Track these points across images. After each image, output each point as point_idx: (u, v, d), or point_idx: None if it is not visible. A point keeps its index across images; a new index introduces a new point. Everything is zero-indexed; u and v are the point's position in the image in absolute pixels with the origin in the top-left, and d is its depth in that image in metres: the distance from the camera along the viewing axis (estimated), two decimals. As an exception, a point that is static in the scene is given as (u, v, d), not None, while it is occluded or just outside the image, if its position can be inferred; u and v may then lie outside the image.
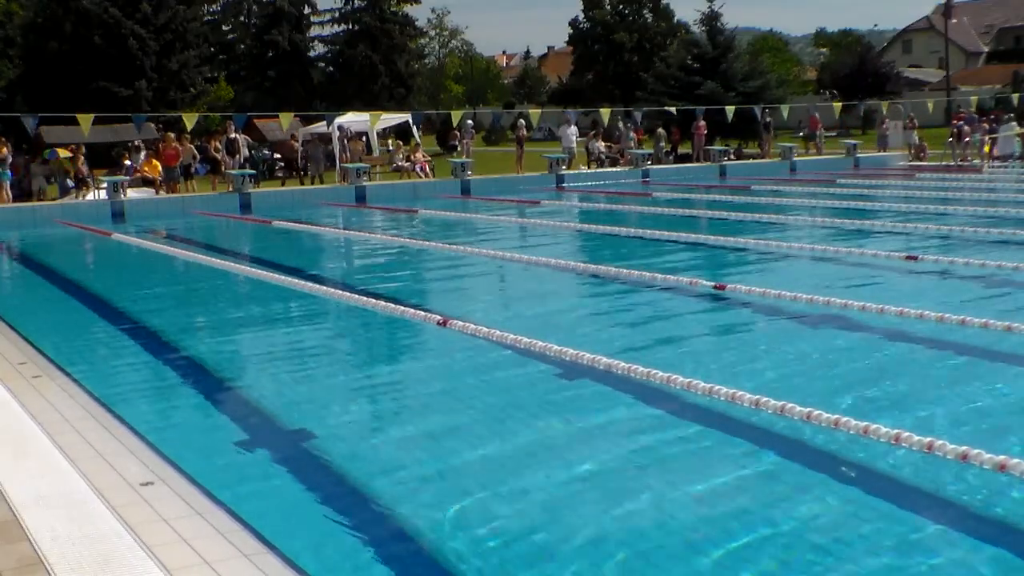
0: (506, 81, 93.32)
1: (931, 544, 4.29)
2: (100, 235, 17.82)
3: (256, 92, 55.10)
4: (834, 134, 45.62)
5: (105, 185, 22.19)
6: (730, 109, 30.69)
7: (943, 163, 30.06)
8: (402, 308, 9.41)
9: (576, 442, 5.67)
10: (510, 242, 15.71)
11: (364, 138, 34.79)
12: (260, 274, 12.25)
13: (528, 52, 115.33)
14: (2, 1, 46.87)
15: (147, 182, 24.89)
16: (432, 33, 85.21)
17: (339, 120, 31.21)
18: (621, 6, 64.41)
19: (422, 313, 9.19)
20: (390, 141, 34.50)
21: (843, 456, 5.27)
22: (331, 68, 59.40)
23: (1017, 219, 15.93)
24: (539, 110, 49.50)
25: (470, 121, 33.74)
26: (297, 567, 4.02)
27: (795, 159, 30.33)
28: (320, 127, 34.33)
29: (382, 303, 9.72)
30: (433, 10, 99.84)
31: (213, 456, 5.62)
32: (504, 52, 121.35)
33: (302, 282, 11.25)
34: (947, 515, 4.58)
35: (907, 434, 5.03)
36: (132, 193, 22.77)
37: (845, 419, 5.33)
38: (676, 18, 64.67)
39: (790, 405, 5.58)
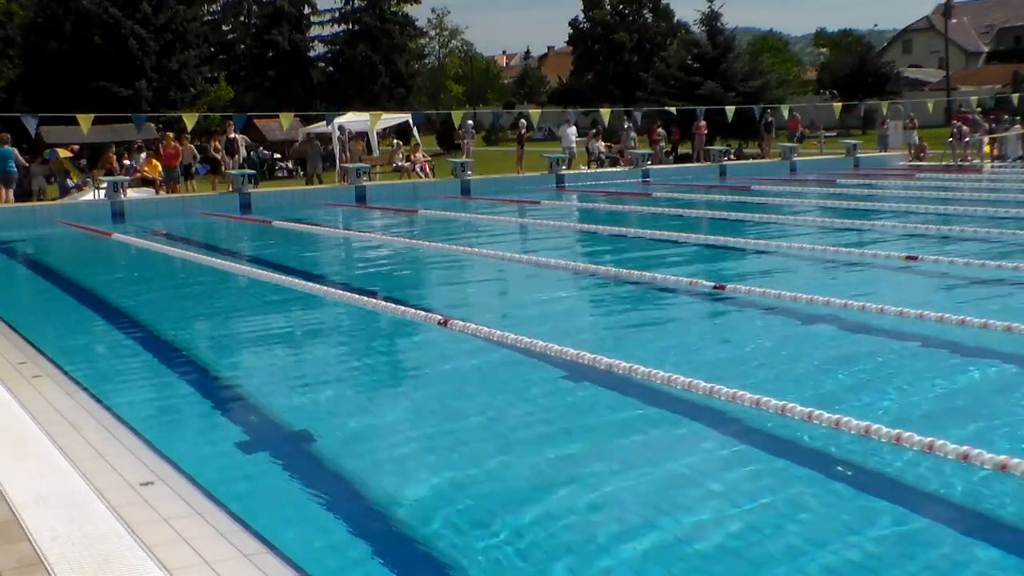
0: (506, 81, 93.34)
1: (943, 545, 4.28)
2: (100, 235, 17.82)
3: (256, 92, 55.12)
4: (834, 134, 45.63)
5: (105, 185, 22.18)
6: (730, 109, 30.70)
7: (943, 163, 30.06)
8: (403, 308, 9.41)
9: (576, 442, 5.67)
10: (510, 242, 15.71)
11: (364, 138, 34.81)
12: (260, 274, 12.24)
13: (528, 52, 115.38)
14: (2, 1, 46.86)
15: (147, 182, 24.89)
16: (432, 33, 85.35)
17: (339, 120, 31.23)
18: (621, 6, 64.38)
19: (423, 313, 9.19)
20: (396, 141, 34.45)
21: (844, 456, 5.26)
22: (331, 68, 59.43)
23: (1017, 219, 15.92)
24: (539, 110, 49.47)
25: (470, 121, 33.74)
26: (297, 567, 4.01)
27: (795, 159, 30.32)
28: (320, 127, 34.35)
29: (383, 303, 9.73)
30: (433, 10, 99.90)
31: (213, 456, 5.61)
32: (504, 52, 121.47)
33: (302, 282, 11.25)
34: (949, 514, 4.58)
35: (908, 434, 5.02)
36: (132, 193, 22.76)
37: (846, 419, 5.32)
38: (676, 18, 64.65)
39: (791, 405, 5.58)
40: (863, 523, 4.48)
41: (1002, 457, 4.66)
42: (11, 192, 22.89)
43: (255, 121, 37.14)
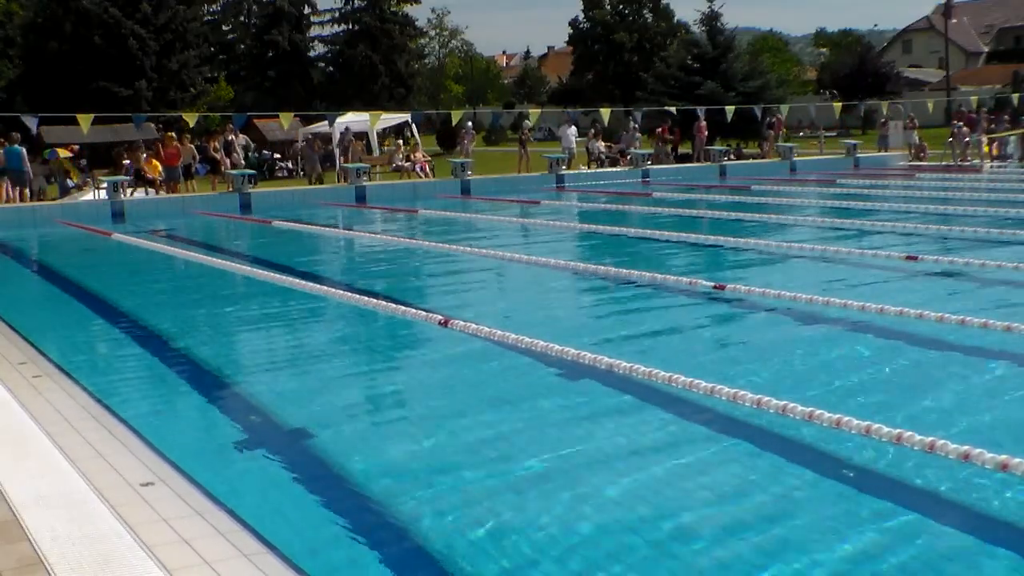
0: (506, 81, 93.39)
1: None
2: (100, 235, 17.82)
3: (256, 92, 55.16)
4: (834, 134, 45.65)
5: (105, 185, 22.18)
6: (730, 109, 30.70)
7: (943, 163, 30.06)
8: (403, 308, 9.41)
9: (577, 442, 5.66)
10: (510, 242, 15.70)
11: (364, 138, 34.82)
12: (260, 274, 12.24)
13: (528, 52, 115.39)
14: (2, 1, 46.88)
15: (147, 182, 24.88)
16: (432, 33, 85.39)
17: (340, 120, 31.22)
18: (621, 6, 64.42)
19: (423, 313, 9.19)
20: (400, 141, 34.44)
21: (845, 456, 5.26)
22: (331, 68, 59.47)
23: (1017, 219, 15.92)
24: (539, 110, 49.48)
25: (470, 123, 33.73)
26: (297, 567, 4.01)
27: (795, 159, 30.32)
28: (320, 127, 34.35)
29: (383, 303, 9.72)
30: (433, 10, 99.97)
31: (213, 456, 5.61)
32: (504, 52, 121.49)
33: (302, 282, 11.24)
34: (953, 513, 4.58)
35: (909, 434, 5.02)
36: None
37: (847, 419, 5.32)
38: (676, 18, 64.72)
39: (792, 405, 5.58)
40: (862, 523, 4.48)
41: (1003, 457, 4.66)
42: (26, 191, 22.96)
43: (255, 121, 37.16)
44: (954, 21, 63.18)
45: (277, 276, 11.74)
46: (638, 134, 31.99)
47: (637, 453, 5.48)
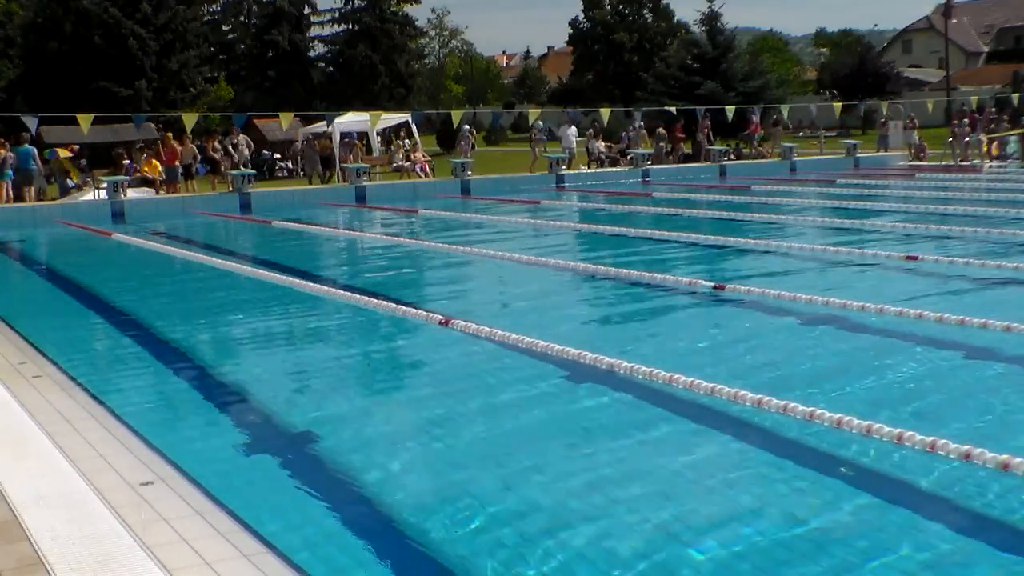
0: (506, 81, 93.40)
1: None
2: (100, 235, 17.81)
3: (256, 92, 55.17)
4: (834, 134, 45.64)
5: (105, 185, 22.18)
6: (730, 109, 30.69)
7: (943, 163, 30.06)
8: (403, 308, 9.40)
9: (578, 443, 5.66)
10: (510, 242, 15.69)
11: (364, 138, 34.81)
12: (260, 274, 12.24)
13: (528, 52, 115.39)
14: (2, 1, 46.89)
15: (147, 182, 24.89)
16: (432, 33, 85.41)
17: (341, 120, 31.21)
18: (621, 6, 64.46)
19: (424, 313, 9.18)
20: (399, 141, 34.43)
21: (845, 456, 5.26)
22: (331, 68, 59.46)
23: (1017, 219, 15.91)
24: (539, 110, 49.46)
25: (467, 126, 33.69)
26: (297, 567, 4.00)
27: (795, 159, 30.31)
28: (320, 127, 34.36)
29: (383, 303, 9.72)
30: (433, 10, 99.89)
31: (213, 456, 5.61)
32: (504, 52, 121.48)
33: (302, 282, 11.24)
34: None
35: (910, 433, 5.02)
36: (132, 193, 22.76)
37: (848, 418, 5.32)
38: (676, 18, 64.78)
39: (792, 404, 5.58)
40: (864, 522, 4.48)
41: (1004, 456, 4.66)
42: (34, 189, 23.01)
43: (255, 121, 37.16)
44: (954, 21, 63.16)
45: (277, 276, 11.74)
46: (643, 130, 31.98)
47: (637, 453, 5.48)
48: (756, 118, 33.61)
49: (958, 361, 7.30)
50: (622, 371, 6.63)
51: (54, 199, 24.31)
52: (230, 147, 26.43)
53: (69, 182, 26.76)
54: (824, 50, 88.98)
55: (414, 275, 13.04)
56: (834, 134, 45.62)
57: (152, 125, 36.11)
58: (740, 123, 33.91)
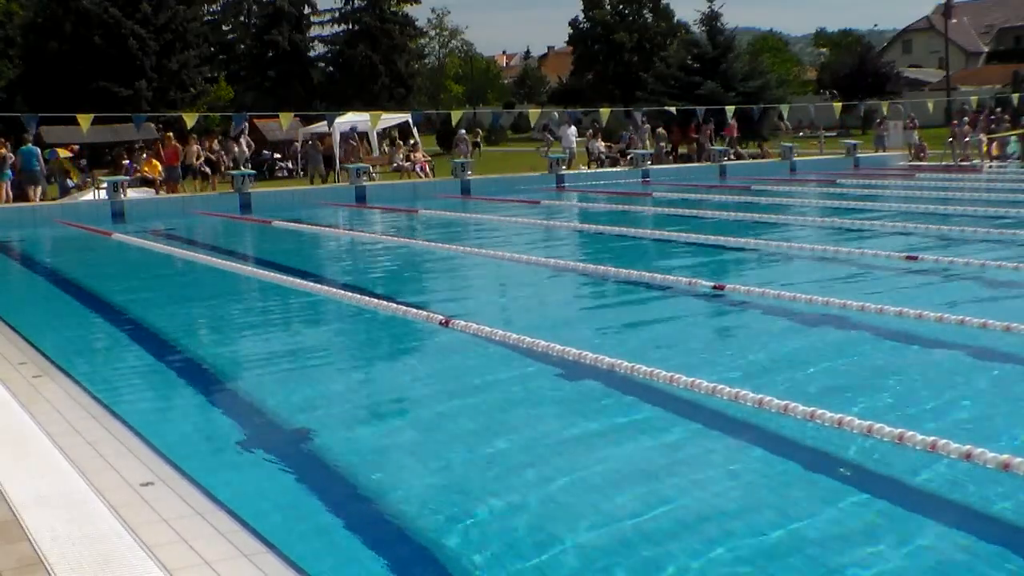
0: (506, 81, 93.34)
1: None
2: (100, 235, 17.81)
3: (256, 92, 55.16)
4: (834, 134, 45.63)
5: (105, 185, 22.18)
6: (730, 109, 30.66)
7: (943, 163, 30.06)
8: (404, 308, 9.40)
9: (578, 442, 5.66)
10: (511, 242, 15.69)
11: (364, 138, 34.80)
12: (260, 274, 12.24)
13: (528, 52, 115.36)
14: (2, 1, 46.89)
15: (147, 182, 24.89)
16: (432, 33, 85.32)
17: (342, 120, 31.20)
18: (621, 6, 64.45)
19: (424, 313, 9.18)
20: (399, 141, 34.41)
21: (846, 456, 5.25)
22: (331, 68, 59.46)
23: (1017, 219, 15.91)
24: (539, 110, 49.45)
25: (463, 131, 33.64)
26: (297, 567, 4.00)
27: (795, 159, 30.31)
28: (320, 127, 34.35)
29: (383, 302, 9.71)
30: (433, 10, 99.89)
31: (213, 456, 5.61)
32: (504, 52, 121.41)
33: (302, 281, 11.24)
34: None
35: (911, 433, 5.02)
36: (132, 193, 22.76)
37: (848, 418, 5.32)
38: (676, 18, 64.76)
39: (793, 404, 5.58)
40: (863, 522, 4.47)
41: (1004, 456, 4.66)
42: (39, 189, 23.01)
43: (255, 121, 37.16)
44: (954, 21, 63.14)
45: (277, 276, 11.74)
46: (647, 126, 31.92)
47: (637, 453, 5.48)
48: (733, 121, 33.29)
49: (958, 361, 7.29)
50: (622, 371, 6.62)
51: (54, 199, 24.31)
52: (222, 152, 26.46)
53: (69, 182, 26.75)
54: (824, 50, 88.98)
55: (414, 275, 13.04)
56: (834, 134, 45.59)
57: (152, 125, 36.10)
58: (741, 123, 33.84)
